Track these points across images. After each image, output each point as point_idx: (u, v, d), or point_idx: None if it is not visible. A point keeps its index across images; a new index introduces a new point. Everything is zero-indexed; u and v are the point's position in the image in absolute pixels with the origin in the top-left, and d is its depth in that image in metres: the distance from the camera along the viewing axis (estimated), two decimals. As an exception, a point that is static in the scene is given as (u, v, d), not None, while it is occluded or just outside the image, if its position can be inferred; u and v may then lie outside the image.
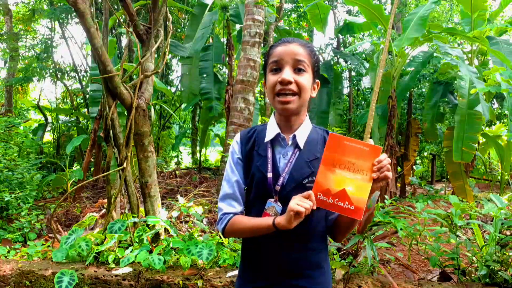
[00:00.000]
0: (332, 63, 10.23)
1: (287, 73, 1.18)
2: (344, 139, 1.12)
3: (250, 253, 1.33)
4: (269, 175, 1.24)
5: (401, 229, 2.74)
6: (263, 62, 1.40)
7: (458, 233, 2.90)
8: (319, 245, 1.28)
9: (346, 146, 1.12)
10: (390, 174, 1.10)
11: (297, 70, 1.20)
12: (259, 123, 8.16)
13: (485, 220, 4.92)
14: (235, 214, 1.30)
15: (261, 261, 1.28)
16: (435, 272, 3.33)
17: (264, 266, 1.27)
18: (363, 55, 9.97)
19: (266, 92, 1.27)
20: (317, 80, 1.29)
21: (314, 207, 1.10)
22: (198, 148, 11.82)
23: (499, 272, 2.62)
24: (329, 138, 1.14)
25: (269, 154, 1.27)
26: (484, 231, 4.06)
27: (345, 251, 3.01)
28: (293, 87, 1.19)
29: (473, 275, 2.84)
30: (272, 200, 1.24)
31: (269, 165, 1.25)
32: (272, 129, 1.29)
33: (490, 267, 2.64)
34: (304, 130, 1.28)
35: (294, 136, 1.27)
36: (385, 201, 3.35)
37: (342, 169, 1.11)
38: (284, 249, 1.24)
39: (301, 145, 1.26)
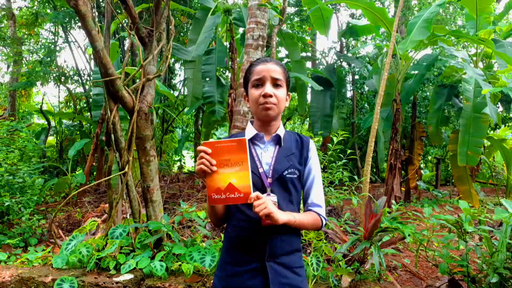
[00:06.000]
0: (335, 66, 10.18)
1: (268, 88, 1.42)
2: (215, 143, 1.27)
3: (237, 240, 1.43)
4: (260, 170, 1.42)
5: (409, 235, 2.67)
6: (243, 78, 1.60)
7: (467, 239, 2.83)
8: (288, 231, 1.41)
9: (218, 148, 1.26)
10: (265, 209, 1.23)
11: (275, 85, 1.44)
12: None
13: (492, 225, 4.83)
14: None
15: (250, 246, 1.41)
16: (443, 279, 3.25)
17: (253, 249, 1.40)
18: (367, 58, 9.92)
19: (249, 103, 1.49)
20: (288, 93, 1.53)
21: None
22: (201, 152, 11.75)
23: (510, 280, 2.54)
24: (203, 145, 1.28)
25: (254, 153, 1.45)
26: (492, 237, 3.97)
27: (351, 257, 2.94)
28: (273, 99, 1.42)
29: (483, 283, 2.76)
30: (265, 194, 1.37)
31: (257, 162, 1.43)
32: (250, 132, 1.49)
33: (502, 275, 2.57)
34: (281, 132, 1.50)
35: (277, 135, 1.48)
36: (393, 206, 3.28)
37: (222, 167, 1.26)
38: (264, 236, 1.39)
39: (282, 142, 1.47)
